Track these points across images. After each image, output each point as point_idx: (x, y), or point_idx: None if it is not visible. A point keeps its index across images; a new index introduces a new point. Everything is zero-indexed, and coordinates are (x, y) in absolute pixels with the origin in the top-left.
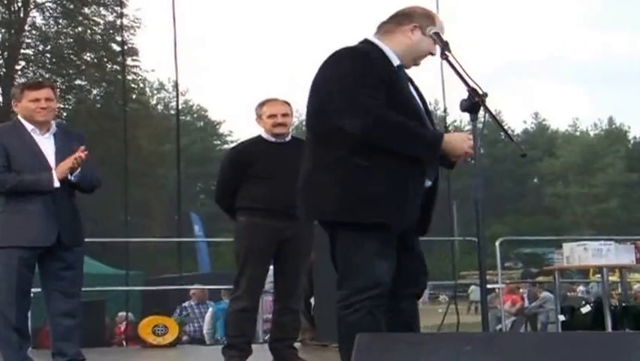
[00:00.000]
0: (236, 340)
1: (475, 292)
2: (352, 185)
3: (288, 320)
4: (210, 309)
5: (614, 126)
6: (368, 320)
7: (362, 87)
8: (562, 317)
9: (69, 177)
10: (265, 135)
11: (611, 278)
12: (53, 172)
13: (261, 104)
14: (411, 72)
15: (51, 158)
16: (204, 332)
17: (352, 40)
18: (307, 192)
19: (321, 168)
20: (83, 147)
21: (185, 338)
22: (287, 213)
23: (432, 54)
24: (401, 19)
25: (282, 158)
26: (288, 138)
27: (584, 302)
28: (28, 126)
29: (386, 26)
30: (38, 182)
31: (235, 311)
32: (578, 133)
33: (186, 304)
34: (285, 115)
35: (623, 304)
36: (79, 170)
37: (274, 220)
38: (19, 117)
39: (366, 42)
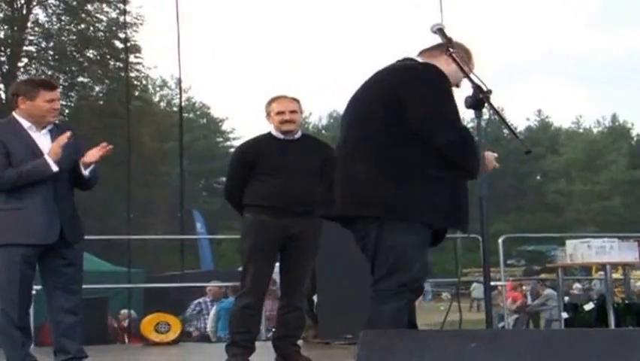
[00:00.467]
0: (240, 337)
1: (477, 290)
2: (425, 191)
3: (293, 318)
4: (214, 307)
5: (617, 123)
6: (404, 311)
7: (449, 103)
8: (565, 315)
9: (83, 171)
10: (274, 132)
11: (614, 275)
12: (46, 156)
13: (270, 101)
14: None
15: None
16: (208, 329)
17: (358, 37)
18: (368, 188)
19: (389, 170)
20: (104, 143)
21: (196, 334)
22: (293, 211)
23: (457, 87)
24: (444, 48)
25: (290, 155)
26: (298, 135)
27: (587, 299)
28: (25, 123)
29: (429, 52)
30: (36, 169)
31: (239, 308)
32: (581, 130)
33: (201, 300)
34: (293, 112)
35: (626, 302)
36: (93, 165)
37: (280, 218)
38: (15, 114)
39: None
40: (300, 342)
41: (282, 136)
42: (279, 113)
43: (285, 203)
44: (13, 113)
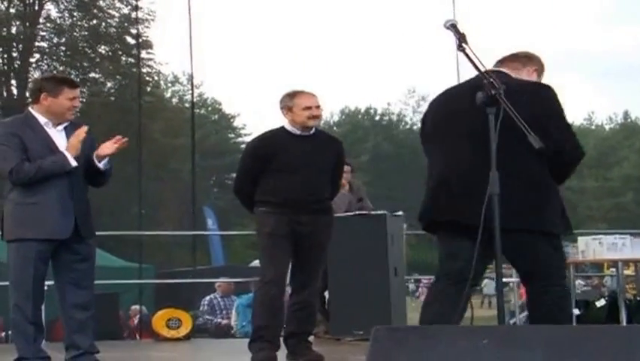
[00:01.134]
0: (266, 331)
1: (488, 286)
2: (556, 201)
3: (304, 315)
4: (235, 302)
5: (629, 120)
6: None
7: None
8: (576, 311)
9: (98, 164)
10: (289, 127)
11: (625, 272)
12: (65, 151)
13: (291, 96)
14: (428, 68)
15: (63, 150)
16: (232, 324)
17: (369, 32)
18: (518, 202)
19: (533, 184)
20: (119, 137)
21: (208, 331)
22: (309, 208)
23: None
24: (525, 60)
25: (306, 151)
26: (312, 130)
27: (598, 296)
28: (42, 119)
29: (512, 64)
30: (55, 164)
31: (263, 300)
32: (593, 127)
33: (211, 296)
34: (318, 107)
35: (638, 298)
36: (107, 159)
37: (295, 215)
38: (32, 110)
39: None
40: (311, 338)
41: (298, 132)
42: (307, 108)
43: (300, 200)
44: (30, 109)
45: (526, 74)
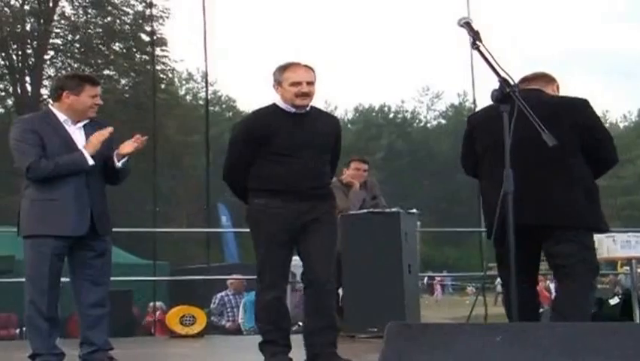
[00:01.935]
0: (275, 334)
1: None
2: (598, 203)
3: (319, 308)
4: (242, 300)
5: None
6: None
7: None
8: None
9: (117, 163)
10: (283, 105)
11: (639, 270)
12: (83, 150)
13: (282, 69)
14: (442, 66)
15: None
16: (239, 321)
17: (382, 29)
18: (567, 203)
19: (580, 187)
20: (138, 135)
21: (219, 328)
22: (309, 194)
23: None
24: (547, 79)
25: (303, 132)
26: (308, 108)
27: (612, 294)
28: (61, 117)
29: (538, 83)
30: (73, 162)
31: (264, 304)
32: (607, 125)
33: (223, 293)
34: (310, 83)
35: None
36: (127, 158)
37: (295, 203)
38: (53, 107)
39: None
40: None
41: (292, 109)
42: (295, 84)
43: (300, 186)
44: (50, 106)
45: (551, 91)
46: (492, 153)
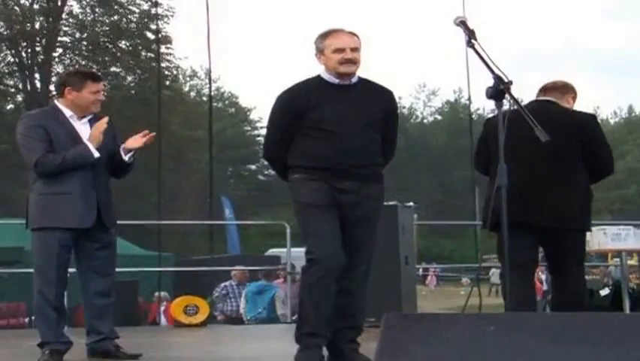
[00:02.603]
0: (314, 324)
1: (495, 275)
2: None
3: (345, 305)
4: (244, 290)
5: (633, 115)
6: None
7: None
8: None
9: (124, 157)
10: (326, 76)
11: (629, 262)
12: (87, 143)
13: (324, 36)
14: (438, 63)
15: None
16: (241, 311)
17: (383, 26)
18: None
19: (580, 193)
20: (146, 131)
21: (220, 317)
22: (353, 174)
23: None
24: (563, 90)
25: (348, 105)
26: (355, 79)
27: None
28: (67, 112)
29: (555, 94)
30: (80, 155)
31: (309, 284)
32: (598, 120)
33: (227, 283)
34: (354, 49)
35: None
36: (134, 152)
37: (337, 182)
38: (58, 103)
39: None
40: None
41: (336, 80)
42: (338, 50)
43: (343, 164)
44: (55, 102)
45: (565, 102)
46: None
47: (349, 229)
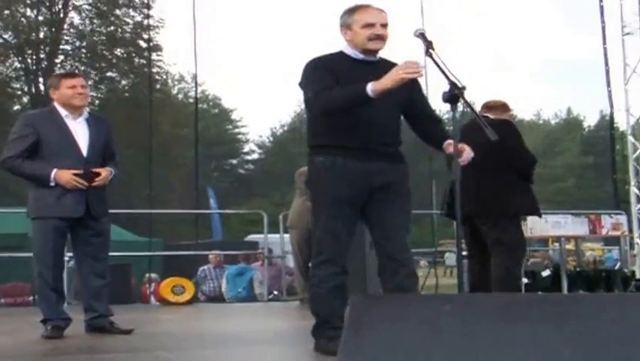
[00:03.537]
0: (330, 317)
1: (450, 258)
2: (523, 195)
3: (408, 283)
4: (226, 272)
5: (571, 116)
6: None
7: None
8: (525, 280)
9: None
10: (350, 51)
11: (567, 247)
12: (54, 172)
13: (352, 10)
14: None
15: (82, 141)
16: (222, 290)
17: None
18: (496, 198)
19: (504, 186)
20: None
21: (202, 297)
22: (379, 153)
23: None
24: (503, 108)
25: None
26: (378, 56)
27: (544, 267)
28: (63, 112)
29: (495, 111)
30: (39, 175)
31: (321, 281)
32: (540, 122)
33: (205, 267)
34: (384, 25)
35: (577, 270)
36: (113, 171)
37: (363, 162)
38: (55, 104)
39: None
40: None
41: (361, 56)
42: (368, 25)
43: (368, 143)
44: (54, 103)
45: (507, 117)
46: None
47: (385, 206)
